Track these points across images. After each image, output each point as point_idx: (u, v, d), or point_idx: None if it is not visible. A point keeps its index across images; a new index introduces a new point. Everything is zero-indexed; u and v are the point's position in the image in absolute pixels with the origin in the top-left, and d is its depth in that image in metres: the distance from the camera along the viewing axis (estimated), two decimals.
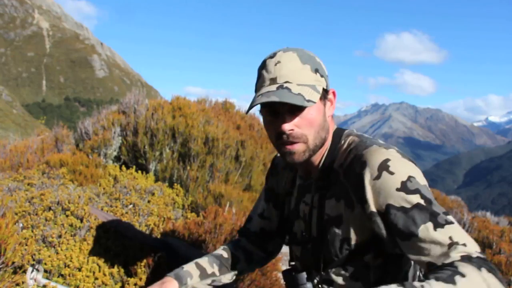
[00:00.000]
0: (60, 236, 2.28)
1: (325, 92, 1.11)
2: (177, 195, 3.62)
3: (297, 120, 1.07)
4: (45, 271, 2.04)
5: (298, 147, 1.09)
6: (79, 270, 2.11)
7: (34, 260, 2.03)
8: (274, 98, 1.02)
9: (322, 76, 1.10)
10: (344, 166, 1.09)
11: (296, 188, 1.27)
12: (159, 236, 2.66)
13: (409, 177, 0.98)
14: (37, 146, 4.40)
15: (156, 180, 3.94)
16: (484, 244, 4.14)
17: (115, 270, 2.20)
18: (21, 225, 2.31)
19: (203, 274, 1.30)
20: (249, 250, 1.42)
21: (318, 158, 1.16)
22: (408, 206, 0.96)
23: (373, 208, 1.00)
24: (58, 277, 2.09)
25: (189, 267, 1.30)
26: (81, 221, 2.45)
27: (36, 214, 2.42)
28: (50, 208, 2.49)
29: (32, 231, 2.27)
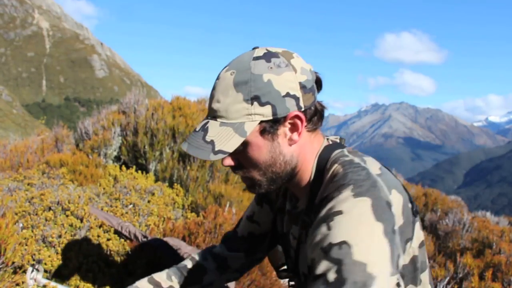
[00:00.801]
0: (60, 236, 2.28)
1: (274, 122, 0.92)
2: (177, 195, 3.62)
3: (237, 157, 0.96)
4: (45, 271, 2.04)
5: (249, 183, 0.99)
6: (79, 270, 2.11)
7: (34, 260, 2.03)
8: (184, 146, 0.92)
9: (264, 103, 0.89)
10: (321, 205, 0.91)
11: (286, 212, 1.15)
12: (159, 236, 2.66)
13: (342, 243, 0.78)
14: (37, 146, 4.40)
15: (156, 180, 3.94)
16: (484, 244, 4.14)
17: (115, 270, 2.20)
18: (21, 225, 2.31)
19: None
20: (223, 257, 1.31)
21: (302, 182, 1.03)
22: (318, 272, 0.79)
23: (307, 253, 0.88)
24: (58, 277, 2.09)
25: (142, 283, 1.22)
26: (81, 221, 2.45)
27: (36, 214, 2.42)
28: (50, 208, 2.49)
29: (32, 231, 2.27)
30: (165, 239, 2.37)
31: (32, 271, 1.81)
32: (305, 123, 0.95)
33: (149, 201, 3.24)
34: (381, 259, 0.79)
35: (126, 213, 2.88)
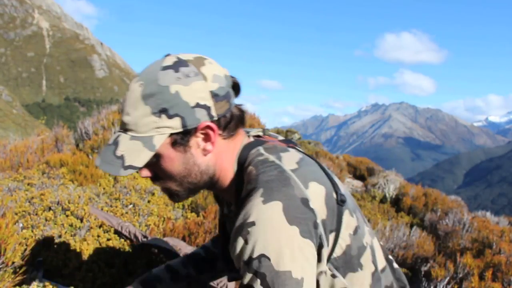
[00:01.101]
0: (60, 236, 2.29)
1: (185, 134, 0.90)
2: None
3: (152, 169, 0.94)
4: (45, 271, 2.04)
5: (168, 193, 1.00)
6: (79, 270, 2.11)
7: (34, 260, 2.03)
8: (97, 161, 0.90)
9: (173, 116, 0.87)
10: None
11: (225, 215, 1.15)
12: (159, 236, 2.67)
13: (261, 257, 0.80)
14: (37, 146, 4.41)
15: None
16: (484, 244, 4.15)
17: (115, 270, 2.20)
18: (21, 225, 2.31)
19: (175, 277, 1.24)
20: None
21: (227, 188, 1.01)
22: (245, 282, 0.83)
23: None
24: (58, 277, 2.09)
25: (159, 272, 1.24)
26: (81, 221, 2.46)
27: (36, 214, 2.42)
28: (50, 208, 2.49)
29: (32, 231, 2.27)
30: (165, 239, 2.37)
31: (32, 271, 1.81)
32: (218, 132, 0.93)
33: (149, 201, 3.24)
34: (304, 261, 0.81)
35: (126, 213, 2.88)
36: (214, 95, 0.89)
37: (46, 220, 2.38)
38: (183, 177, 0.94)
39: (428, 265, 3.73)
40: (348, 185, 9.05)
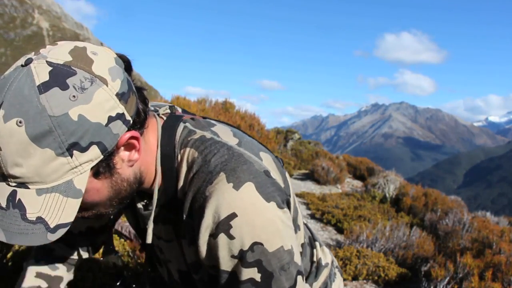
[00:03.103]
0: None
1: (107, 157, 0.70)
2: None
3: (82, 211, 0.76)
4: None
5: (95, 216, 0.80)
6: (79, 270, 2.11)
7: None
8: (3, 237, 0.65)
9: (87, 147, 0.65)
10: (188, 199, 0.80)
11: (137, 209, 0.93)
12: None
13: (253, 245, 0.74)
14: None
15: None
16: (484, 244, 4.15)
17: (115, 270, 2.20)
18: None
19: None
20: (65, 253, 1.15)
21: (151, 181, 0.84)
22: (240, 278, 0.76)
23: (206, 262, 0.81)
24: None
25: (29, 281, 1.06)
26: None
27: None
28: None
29: None
30: None
31: None
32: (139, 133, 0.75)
33: None
34: (288, 230, 0.80)
35: None
36: (121, 96, 0.68)
37: None
38: (112, 199, 0.77)
39: (428, 265, 3.73)
40: (348, 185, 9.05)
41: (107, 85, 0.66)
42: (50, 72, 0.63)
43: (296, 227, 0.96)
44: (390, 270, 3.63)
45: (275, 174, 0.83)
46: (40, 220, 0.65)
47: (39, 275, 1.09)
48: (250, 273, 0.76)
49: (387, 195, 7.11)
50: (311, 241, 1.14)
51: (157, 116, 0.86)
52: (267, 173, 0.80)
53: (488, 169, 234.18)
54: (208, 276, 0.88)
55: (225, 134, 0.85)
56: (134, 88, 0.74)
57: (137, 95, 0.75)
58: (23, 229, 0.65)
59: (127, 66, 0.76)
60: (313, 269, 1.09)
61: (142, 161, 0.79)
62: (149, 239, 0.85)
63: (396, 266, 3.77)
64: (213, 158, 0.78)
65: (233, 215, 0.74)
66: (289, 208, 0.87)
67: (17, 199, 0.65)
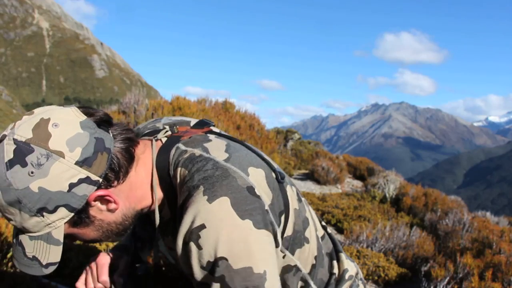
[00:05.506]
0: None
1: (80, 212, 0.81)
2: None
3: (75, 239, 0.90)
4: None
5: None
6: (79, 270, 2.11)
7: None
8: (16, 263, 0.85)
9: (54, 210, 0.77)
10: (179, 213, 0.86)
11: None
12: None
13: (219, 259, 0.76)
14: None
15: None
16: (484, 244, 4.15)
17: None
18: None
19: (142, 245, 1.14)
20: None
21: (152, 208, 0.93)
22: None
23: (185, 270, 0.84)
24: (58, 277, 2.09)
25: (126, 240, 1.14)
26: None
27: None
28: None
29: None
30: None
31: None
32: (113, 186, 0.83)
33: None
34: (263, 253, 0.78)
35: None
36: (83, 162, 0.77)
37: None
38: (106, 236, 0.89)
39: (428, 265, 3.73)
40: (348, 185, 9.05)
41: (64, 157, 0.75)
42: (14, 151, 0.74)
43: (304, 240, 0.97)
44: (390, 270, 3.63)
45: (262, 191, 0.83)
46: (35, 258, 0.82)
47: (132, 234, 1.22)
48: (213, 286, 0.77)
49: (387, 195, 7.12)
50: (333, 253, 1.13)
51: (154, 142, 0.93)
52: (250, 189, 0.81)
53: (488, 169, 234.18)
54: None
55: (216, 150, 0.87)
56: (108, 144, 0.81)
57: (117, 147, 0.83)
58: (26, 262, 0.83)
59: (104, 122, 0.83)
60: (332, 281, 1.08)
61: (131, 200, 0.88)
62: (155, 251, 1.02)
63: (396, 266, 3.77)
64: (197, 173, 0.82)
65: (202, 226, 0.77)
66: (285, 224, 0.88)
67: (19, 240, 0.82)
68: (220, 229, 0.76)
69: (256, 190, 0.81)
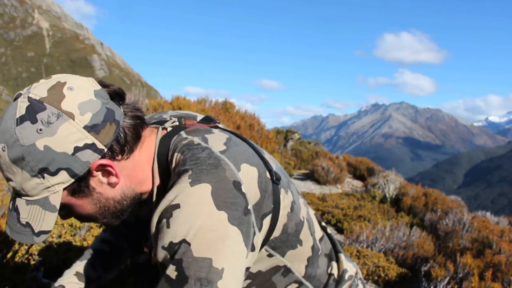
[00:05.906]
0: (60, 236, 2.29)
1: (80, 180, 0.82)
2: None
3: (70, 213, 0.89)
4: (45, 271, 2.04)
5: (99, 223, 0.96)
6: None
7: (34, 260, 2.03)
8: (7, 230, 0.84)
9: (56, 172, 0.78)
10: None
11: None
12: None
13: (182, 242, 0.74)
14: None
15: None
16: (484, 244, 4.15)
17: None
18: None
19: (86, 286, 1.20)
20: (128, 235, 1.29)
21: (151, 193, 0.93)
22: (161, 269, 0.78)
23: (154, 249, 0.83)
24: (58, 277, 2.09)
25: (70, 279, 1.21)
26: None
27: None
28: None
29: None
30: None
31: (32, 271, 1.81)
32: (117, 159, 0.84)
33: None
34: (228, 250, 0.75)
35: None
36: (91, 128, 0.78)
37: None
38: (103, 214, 0.89)
39: (428, 265, 3.74)
40: (348, 185, 9.05)
41: (73, 119, 0.76)
42: (27, 108, 0.76)
43: (297, 242, 0.96)
44: (390, 270, 3.63)
45: (250, 189, 0.82)
46: (28, 225, 0.81)
47: (104, 241, 1.29)
48: (169, 266, 0.75)
49: (387, 195, 7.12)
50: (332, 254, 1.13)
51: (160, 130, 0.95)
52: (236, 184, 0.79)
53: (488, 169, 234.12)
54: None
55: (215, 141, 0.87)
56: (118, 117, 0.82)
57: (126, 122, 0.84)
58: (18, 229, 0.82)
59: (118, 96, 0.85)
60: (331, 282, 1.08)
61: (132, 180, 0.88)
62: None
63: (396, 266, 3.77)
64: (189, 159, 0.82)
65: (177, 206, 0.77)
66: (272, 226, 0.88)
67: (15, 204, 0.82)
68: (192, 213, 0.75)
69: (242, 187, 0.80)
